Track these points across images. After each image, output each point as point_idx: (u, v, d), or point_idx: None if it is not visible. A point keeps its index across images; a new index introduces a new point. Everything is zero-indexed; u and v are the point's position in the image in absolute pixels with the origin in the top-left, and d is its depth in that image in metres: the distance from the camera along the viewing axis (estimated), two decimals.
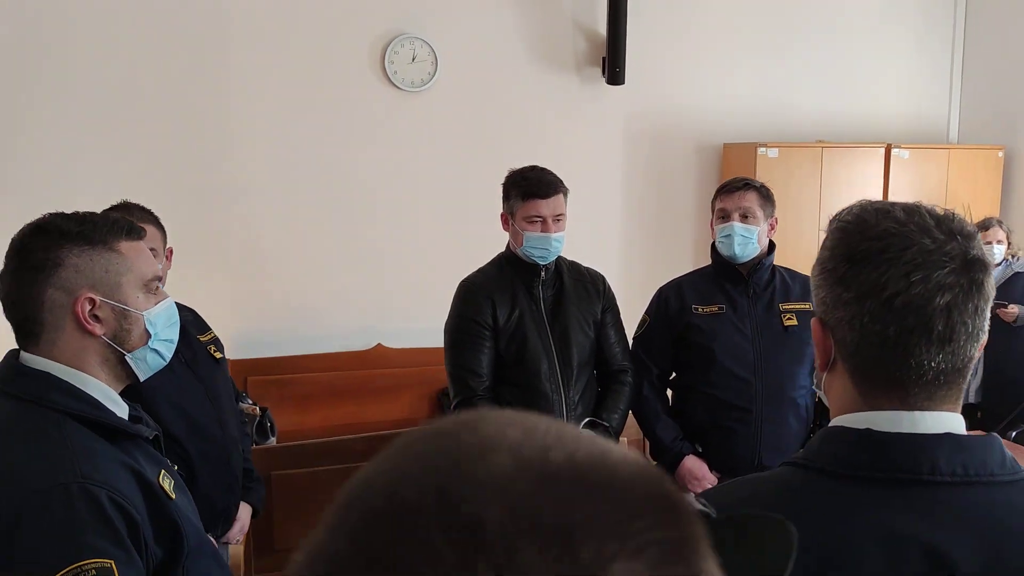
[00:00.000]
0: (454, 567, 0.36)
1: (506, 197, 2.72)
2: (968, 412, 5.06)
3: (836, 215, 1.11)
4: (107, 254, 1.40)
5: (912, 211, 1.02)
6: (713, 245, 2.93)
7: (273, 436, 4.31)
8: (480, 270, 2.83)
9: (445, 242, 5.00)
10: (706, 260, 5.30)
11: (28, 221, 1.43)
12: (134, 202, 2.48)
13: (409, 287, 4.96)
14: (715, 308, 2.84)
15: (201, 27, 4.53)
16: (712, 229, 2.91)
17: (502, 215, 2.75)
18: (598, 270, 2.93)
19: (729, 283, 2.86)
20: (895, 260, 0.99)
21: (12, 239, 1.40)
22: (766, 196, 2.82)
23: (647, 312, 3.00)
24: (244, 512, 2.51)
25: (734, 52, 5.30)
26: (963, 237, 1.00)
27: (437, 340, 4.95)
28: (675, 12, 5.19)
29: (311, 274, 4.81)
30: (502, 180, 4.94)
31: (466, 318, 2.70)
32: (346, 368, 4.83)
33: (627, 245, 5.21)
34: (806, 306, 2.85)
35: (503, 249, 2.84)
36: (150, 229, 2.38)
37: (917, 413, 1.01)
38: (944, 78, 5.74)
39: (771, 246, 2.88)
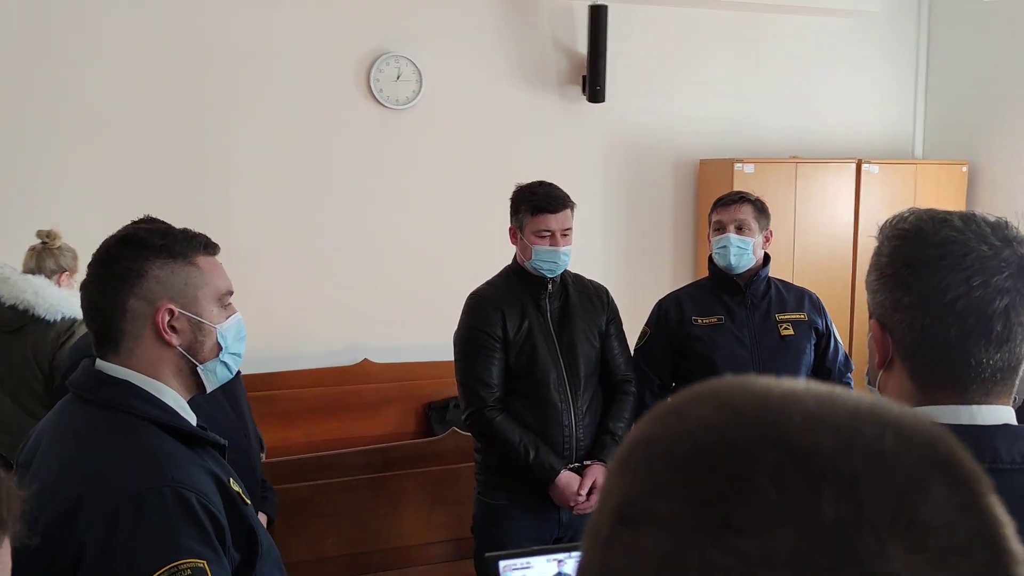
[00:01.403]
0: (800, 494, 0.39)
1: (515, 211, 2.79)
2: None
3: (889, 223, 1.19)
4: (187, 267, 1.45)
5: (968, 219, 1.10)
6: (711, 257, 3.02)
7: (262, 451, 4.32)
8: (488, 283, 2.90)
9: (430, 257, 5.06)
10: (684, 273, 5.50)
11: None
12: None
13: (395, 303, 5.00)
14: (714, 319, 2.94)
15: (188, 47, 4.55)
16: (709, 242, 3.01)
17: (510, 229, 2.82)
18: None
19: (727, 294, 2.96)
20: (955, 266, 1.07)
21: (97, 249, 1.44)
22: (761, 209, 2.93)
23: (647, 324, 3.09)
24: (261, 521, 2.54)
25: (710, 71, 5.44)
26: (1017, 243, 1.09)
27: (423, 355, 5.07)
28: (653, 32, 5.32)
29: (297, 291, 4.83)
30: (486, 196, 5.05)
31: (477, 329, 2.76)
32: (331, 384, 4.85)
33: (607, 259, 5.31)
34: (801, 316, 2.96)
35: (510, 262, 2.91)
36: None
37: (975, 407, 1.09)
38: (909, 96, 5.94)
39: (766, 258, 2.99)
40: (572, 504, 2.71)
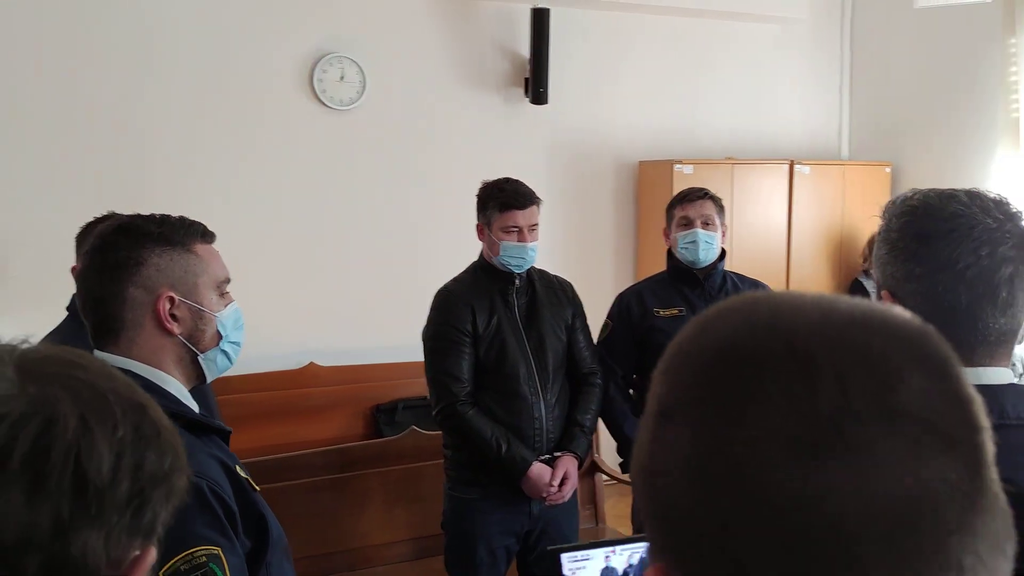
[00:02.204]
0: (800, 392, 0.48)
1: (482, 208, 2.82)
2: None
3: (894, 201, 1.27)
4: (186, 255, 1.44)
5: (973, 195, 1.19)
6: (669, 252, 3.11)
7: None
8: (456, 279, 2.92)
9: (375, 259, 5.04)
10: (626, 271, 5.61)
11: None
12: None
13: (341, 305, 4.97)
14: (675, 311, 3.02)
15: (125, 41, 4.45)
16: (667, 237, 3.09)
17: (478, 225, 2.85)
18: None
19: (687, 287, 3.05)
20: (965, 237, 1.15)
21: (93, 238, 1.42)
22: (720, 206, 3.03)
23: (608, 317, 3.15)
24: None
25: (649, 75, 5.57)
26: (1017, 217, 1.17)
27: (370, 357, 5.04)
28: (594, 36, 5.42)
29: (240, 294, 4.71)
30: (430, 197, 5.06)
31: (447, 325, 2.78)
32: (278, 388, 4.79)
33: (550, 258, 5.31)
34: None
35: (476, 258, 2.94)
36: None
37: (979, 368, 1.18)
38: (835, 99, 6.18)
39: (722, 252, 3.08)
40: (544, 495, 2.75)
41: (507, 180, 2.83)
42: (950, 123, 5.50)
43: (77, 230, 2.79)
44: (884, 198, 5.77)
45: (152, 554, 0.64)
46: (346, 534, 3.39)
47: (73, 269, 2.43)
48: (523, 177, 5.27)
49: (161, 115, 4.54)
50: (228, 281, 1.52)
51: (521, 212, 2.75)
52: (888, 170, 5.83)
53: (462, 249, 4.83)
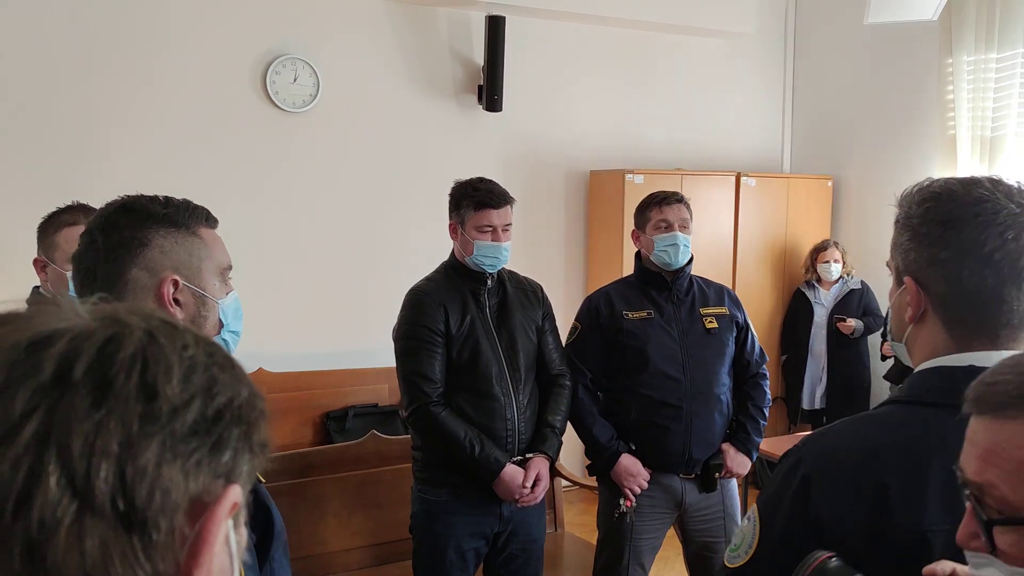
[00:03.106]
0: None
1: (455, 207, 2.80)
2: (814, 417, 5.56)
3: (912, 190, 1.29)
4: (190, 238, 1.38)
5: (996, 182, 1.21)
6: (638, 254, 3.12)
7: None
8: (428, 278, 2.88)
9: (325, 263, 4.97)
10: (576, 278, 5.64)
11: None
12: (83, 203, 2.37)
13: (290, 310, 4.88)
14: (644, 313, 3.03)
15: (80, 42, 4.31)
16: (637, 240, 3.11)
17: (451, 224, 2.82)
18: None
19: (655, 290, 3.07)
20: (991, 222, 1.18)
21: (95, 218, 1.35)
22: (690, 210, 3.06)
23: (577, 319, 3.15)
24: None
25: (601, 85, 5.62)
26: None
27: (319, 364, 4.96)
28: (548, 45, 5.45)
29: None
30: (382, 202, 5.01)
31: (419, 325, 2.74)
32: None
33: None
34: (723, 311, 3.10)
35: (447, 258, 2.91)
36: None
37: (1005, 351, 1.20)
38: (778, 114, 6.33)
39: (690, 257, 3.11)
40: (517, 496, 2.73)
41: (481, 179, 2.82)
42: (889, 139, 5.68)
43: (34, 222, 2.67)
44: (826, 211, 5.93)
45: (233, 494, 0.59)
46: (305, 540, 3.32)
47: (35, 262, 2.33)
48: None
49: (113, 115, 4.41)
50: (230, 268, 1.47)
51: (496, 211, 2.74)
52: (829, 183, 5.99)
53: (413, 253, 4.82)
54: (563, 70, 5.51)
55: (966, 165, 5.05)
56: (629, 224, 5.37)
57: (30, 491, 0.49)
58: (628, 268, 5.03)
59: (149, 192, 2.37)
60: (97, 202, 4.22)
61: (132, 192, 2.33)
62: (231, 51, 4.67)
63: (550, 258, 5.60)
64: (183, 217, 1.39)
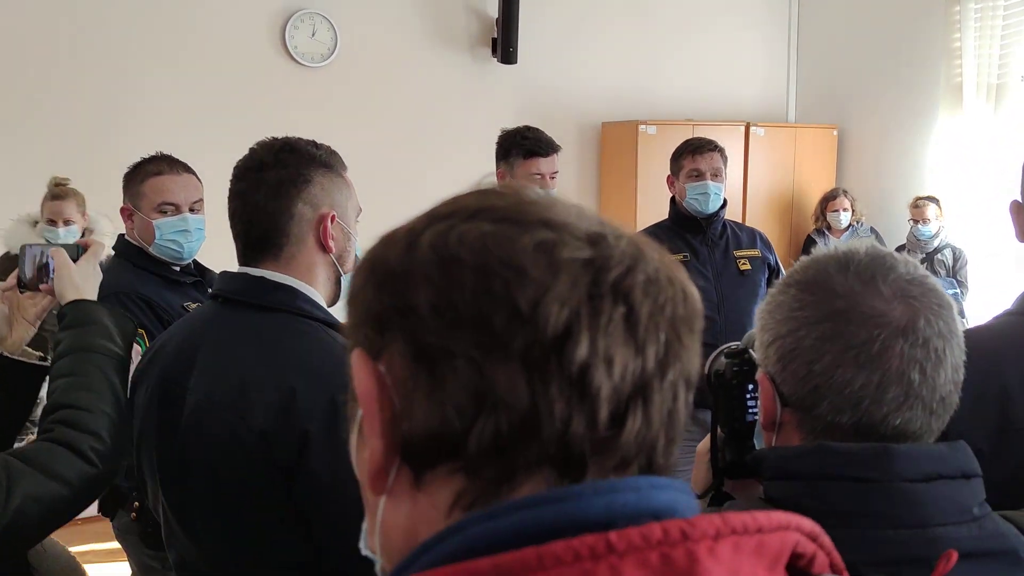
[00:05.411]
0: None
1: (503, 155, 2.88)
2: None
3: None
4: (339, 179, 1.48)
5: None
6: (673, 199, 3.22)
7: None
8: None
9: None
10: None
11: None
12: (167, 154, 2.45)
13: None
14: (680, 257, 3.13)
15: (99, 3, 4.33)
16: (672, 186, 3.20)
17: (499, 172, 2.90)
18: None
19: (689, 234, 3.17)
20: None
21: (258, 156, 1.42)
22: (725, 156, 3.15)
23: None
24: None
25: (613, 36, 5.67)
26: None
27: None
28: None
29: (203, 254, 4.69)
30: (399, 155, 5.07)
31: None
32: None
33: None
34: (755, 253, 3.21)
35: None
36: (193, 179, 2.37)
37: None
38: (783, 63, 6.40)
39: (724, 201, 3.21)
40: None
41: (528, 128, 2.90)
42: (895, 87, 5.76)
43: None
44: (832, 160, 6.02)
45: None
46: None
47: (122, 210, 2.40)
48: (490, 136, 5.33)
49: (132, 71, 4.44)
50: (361, 211, 1.56)
51: (545, 159, 2.82)
52: (835, 133, 6.08)
53: (430, 204, 4.84)
54: (576, 22, 5.55)
55: (972, 112, 5.15)
56: (642, 175, 5.51)
57: None
58: (642, 218, 5.14)
59: (172, 147, 2.45)
60: (121, 157, 4.26)
61: (155, 149, 2.42)
62: (251, 6, 4.69)
63: None
64: (332, 160, 1.48)
